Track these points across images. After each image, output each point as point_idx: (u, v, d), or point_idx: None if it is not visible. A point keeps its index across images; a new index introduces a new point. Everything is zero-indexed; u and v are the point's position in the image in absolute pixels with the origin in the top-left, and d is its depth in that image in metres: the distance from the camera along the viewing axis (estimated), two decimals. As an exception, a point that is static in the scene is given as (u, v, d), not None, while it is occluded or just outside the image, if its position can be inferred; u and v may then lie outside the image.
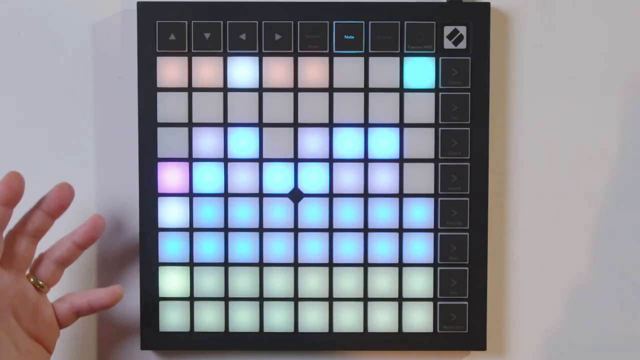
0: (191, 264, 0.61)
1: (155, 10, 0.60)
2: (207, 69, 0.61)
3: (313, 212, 0.61)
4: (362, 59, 0.61)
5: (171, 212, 0.61)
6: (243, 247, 0.61)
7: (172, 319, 0.61)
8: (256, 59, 0.61)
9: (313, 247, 0.61)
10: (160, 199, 0.61)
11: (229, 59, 0.61)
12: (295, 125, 0.61)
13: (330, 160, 0.61)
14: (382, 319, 0.62)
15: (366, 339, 0.62)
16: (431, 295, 0.61)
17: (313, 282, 0.61)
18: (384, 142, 0.61)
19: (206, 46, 0.60)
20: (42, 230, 0.57)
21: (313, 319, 0.61)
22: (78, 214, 0.63)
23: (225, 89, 0.61)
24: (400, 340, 0.62)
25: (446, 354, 0.64)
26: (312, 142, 0.61)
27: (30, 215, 0.56)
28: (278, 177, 0.61)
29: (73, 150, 0.63)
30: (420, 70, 0.61)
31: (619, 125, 0.63)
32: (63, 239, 0.58)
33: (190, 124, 0.61)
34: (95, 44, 0.63)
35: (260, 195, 0.61)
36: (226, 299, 0.61)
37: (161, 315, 0.61)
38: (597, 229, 0.64)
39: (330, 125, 0.61)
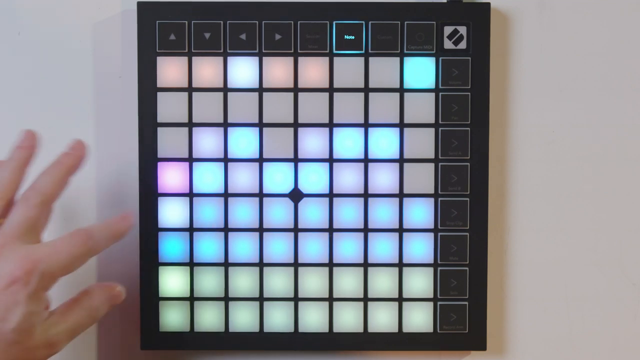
0: (191, 264, 0.61)
1: (156, 10, 0.60)
2: (207, 69, 0.61)
3: (313, 212, 0.61)
4: (362, 59, 0.61)
5: (171, 212, 0.61)
6: (243, 247, 0.61)
7: (172, 319, 0.61)
8: (256, 59, 0.61)
9: (313, 247, 0.61)
10: (160, 199, 0.61)
11: (229, 59, 0.61)
12: (295, 125, 0.61)
13: (330, 160, 0.61)
14: (382, 319, 0.62)
15: (366, 339, 0.62)
16: (431, 296, 0.61)
17: (313, 282, 0.61)
18: (384, 142, 0.61)
19: (206, 46, 0.60)
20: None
21: (313, 319, 0.61)
22: (78, 213, 0.63)
23: (225, 89, 0.61)
24: (400, 340, 0.62)
25: (446, 354, 0.64)
26: (312, 142, 0.61)
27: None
28: (278, 177, 0.61)
29: (73, 150, 0.63)
30: (421, 70, 0.61)
31: (619, 125, 0.63)
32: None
33: (190, 124, 0.61)
34: (95, 44, 0.63)
35: (260, 195, 0.61)
36: (226, 299, 0.61)
37: (161, 315, 0.61)
38: (597, 229, 0.64)
39: (330, 125, 0.61)
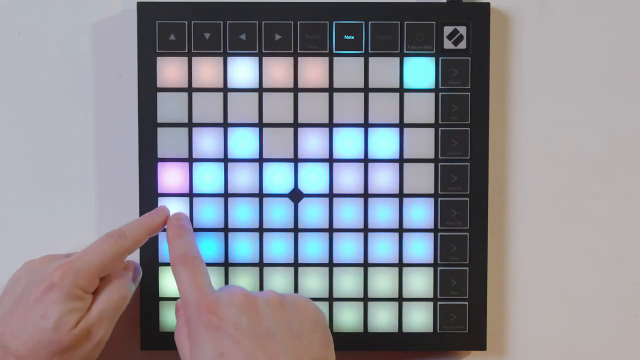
0: (191, 264, 0.61)
1: (155, 10, 0.60)
2: (207, 69, 0.61)
3: (313, 212, 0.61)
4: (362, 59, 0.61)
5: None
6: (243, 248, 0.61)
7: (172, 319, 0.61)
8: (256, 59, 0.61)
9: (313, 247, 0.61)
10: (160, 199, 0.61)
11: (229, 59, 0.61)
12: (295, 125, 0.61)
13: (330, 160, 0.61)
14: (382, 319, 0.62)
15: (366, 339, 0.62)
16: (431, 296, 0.61)
17: (313, 282, 0.61)
18: (384, 142, 0.61)
19: (206, 46, 0.60)
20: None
21: (313, 319, 0.61)
22: (78, 213, 0.63)
23: (225, 89, 0.61)
24: (400, 340, 0.62)
25: (446, 354, 0.64)
26: (312, 142, 0.61)
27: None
28: (278, 177, 0.61)
29: (73, 150, 0.63)
30: (420, 70, 0.61)
31: (619, 125, 0.63)
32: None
33: (190, 124, 0.61)
34: (95, 44, 0.63)
35: (261, 195, 0.61)
36: (226, 299, 0.61)
37: (161, 315, 0.61)
38: (597, 229, 0.64)
39: (330, 125, 0.61)
